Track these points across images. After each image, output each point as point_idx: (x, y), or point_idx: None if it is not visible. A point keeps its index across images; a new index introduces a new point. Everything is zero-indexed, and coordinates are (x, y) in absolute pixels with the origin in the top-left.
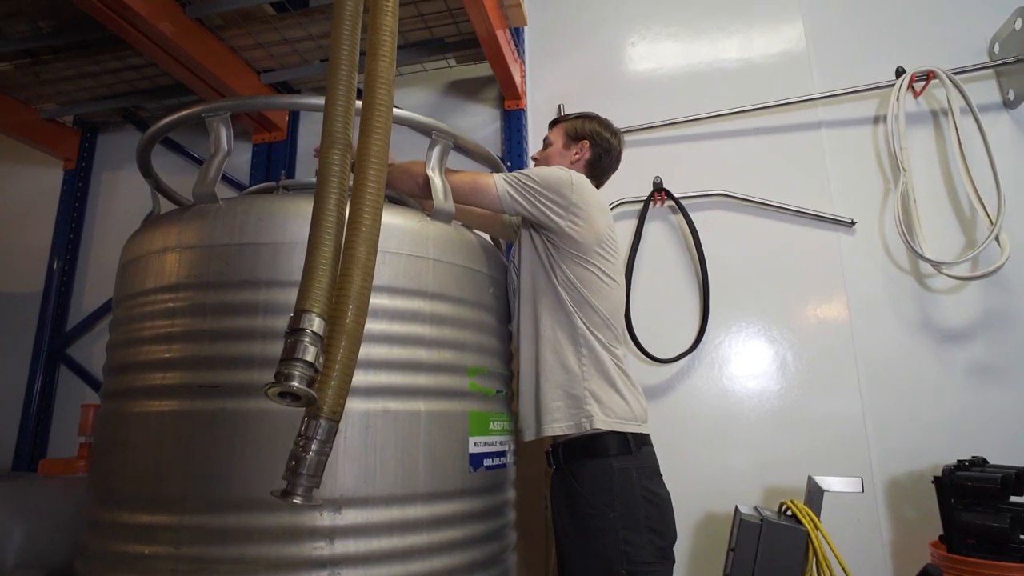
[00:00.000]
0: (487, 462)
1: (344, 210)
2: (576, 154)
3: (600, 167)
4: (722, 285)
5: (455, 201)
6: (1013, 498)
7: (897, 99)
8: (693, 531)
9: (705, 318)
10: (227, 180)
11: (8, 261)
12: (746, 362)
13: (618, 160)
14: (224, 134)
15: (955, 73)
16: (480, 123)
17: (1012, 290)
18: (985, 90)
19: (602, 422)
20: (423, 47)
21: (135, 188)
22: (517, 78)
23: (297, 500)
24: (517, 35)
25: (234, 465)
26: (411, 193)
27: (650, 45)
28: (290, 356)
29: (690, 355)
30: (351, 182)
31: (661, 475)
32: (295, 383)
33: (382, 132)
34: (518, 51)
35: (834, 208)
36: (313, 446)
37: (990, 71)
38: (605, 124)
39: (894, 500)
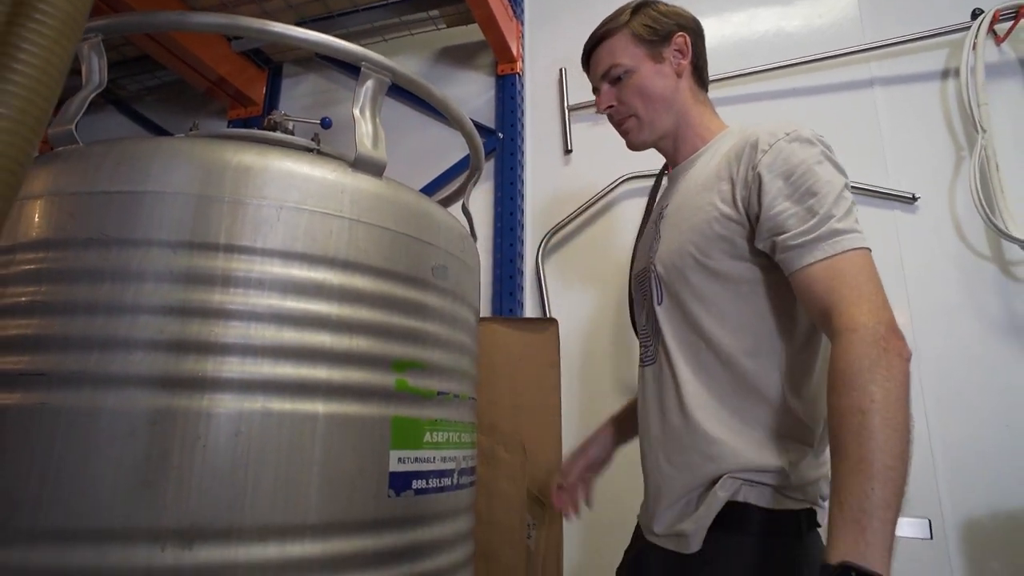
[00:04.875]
0: (417, 484)
1: None
2: (679, 63)
3: (705, 64)
4: None
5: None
6: None
7: (974, 46)
8: None
9: None
10: None
11: None
12: None
13: None
14: (96, 63)
15: None
16: (474, 92)
17: None
18: None
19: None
20: (404, 3)
21: None
22: (512, 39)
23: None
24: None
25: (50, 483)
26: None
27: None
28: None
29: None
30: None
31: None
32: None
33: None
34: (514, 8)
35: (889, 181)
36: None
37: None
38: (669, 6)
39: (972, 548)
